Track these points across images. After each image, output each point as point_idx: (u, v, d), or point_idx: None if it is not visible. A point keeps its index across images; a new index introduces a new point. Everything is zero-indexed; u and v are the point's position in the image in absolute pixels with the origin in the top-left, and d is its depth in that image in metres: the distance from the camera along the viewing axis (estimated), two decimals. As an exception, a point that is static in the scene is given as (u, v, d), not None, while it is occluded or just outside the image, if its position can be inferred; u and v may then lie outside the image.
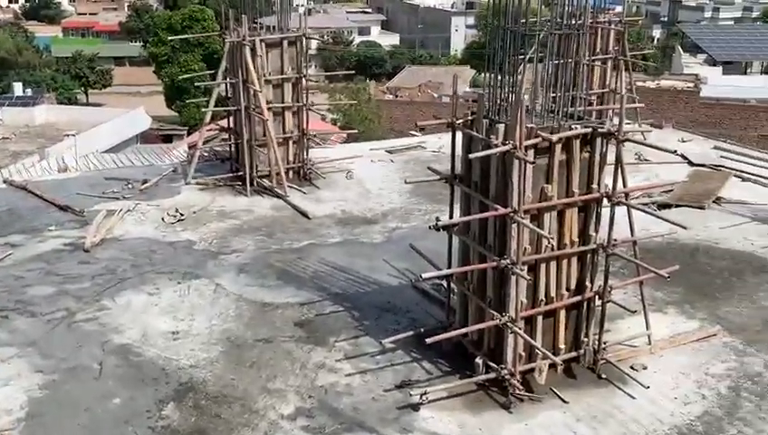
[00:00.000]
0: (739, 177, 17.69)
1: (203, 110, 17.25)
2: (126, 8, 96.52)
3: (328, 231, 14.49)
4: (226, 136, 17.69)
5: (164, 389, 9.42)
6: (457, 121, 9.63)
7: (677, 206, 15.64)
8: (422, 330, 10.05)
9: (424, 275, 9.26)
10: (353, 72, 37.85)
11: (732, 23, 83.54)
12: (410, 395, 9.05)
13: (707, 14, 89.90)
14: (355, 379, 9.61)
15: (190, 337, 10.63)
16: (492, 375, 9.21)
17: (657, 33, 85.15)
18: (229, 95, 17.08)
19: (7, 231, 14.23)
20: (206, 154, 18.31)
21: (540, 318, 9.39)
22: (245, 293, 11.91)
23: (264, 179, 16.65)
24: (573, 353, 9.70)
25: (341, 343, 10.44)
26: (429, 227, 9.67)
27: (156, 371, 9.81)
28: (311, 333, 10.70)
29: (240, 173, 16.69)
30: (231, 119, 17.20)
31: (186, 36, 42.67)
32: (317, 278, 12.37)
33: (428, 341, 9.18)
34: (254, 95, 16.12)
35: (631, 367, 9.80)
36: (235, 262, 13.05)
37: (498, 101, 9.28)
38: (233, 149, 17.45)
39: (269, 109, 16.30)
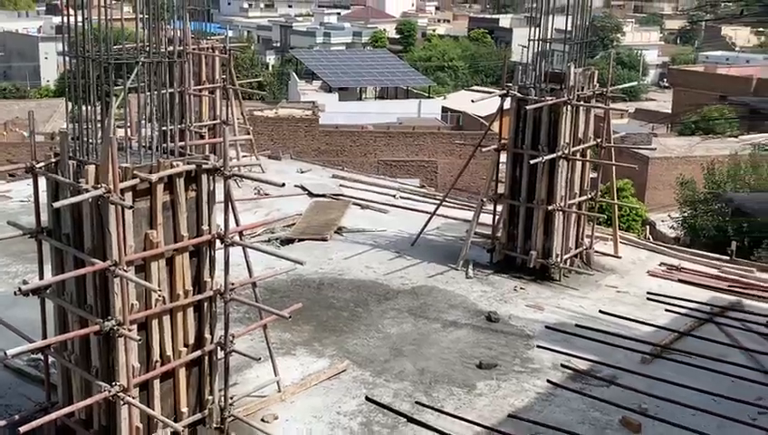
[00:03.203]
0: (357, 204, 19.25)
1: None
2: None
3: None
4: None
5: None
6: (38, 165, 9.11)
7: (301, 240, 16.50)
8: (17, 417, 9.28)
9: (10, 352, 8.51)
10: None
11: (344, 48, 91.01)
12: (3, 500, 8.29)
13: (319, 40, 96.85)
14: (-70, 493, 8.55)
15: None
16: (105, 457, 8.81)
17: (271, 59, 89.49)
18: None
19: None
20: None
21: (157, 382, 9.18)
22: None
23: None
24: (198, 415, 9.63)
25: None
26: (15, 293, 8.97)
27: None
28: None
29: None
30: None
31: None
32: None
33: (23, 429, 8.44)
34: None
35: (262, 419, 10.07)
36: None
37: (88, 140, 8.97)
38: None
39: None
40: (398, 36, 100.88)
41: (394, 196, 20.41)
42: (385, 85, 64.95)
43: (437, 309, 13.67)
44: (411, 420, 9.49)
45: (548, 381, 11.21)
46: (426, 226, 16.72)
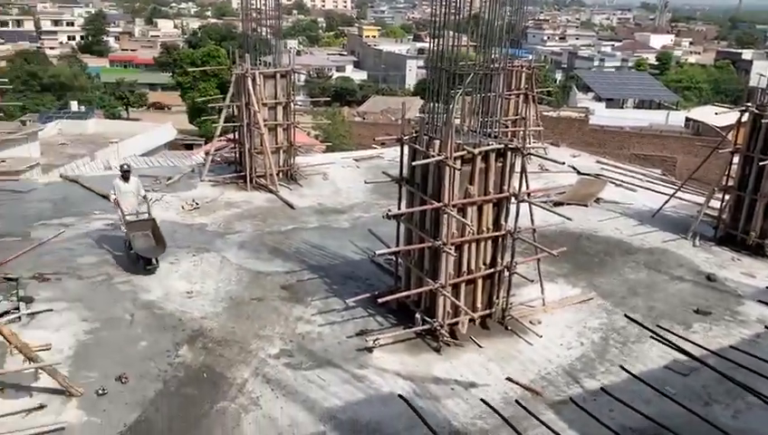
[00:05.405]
0: (614, 183, 18.01)
1: (214, 125, 17.03)
2: (159, 46, 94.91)
3: (308, 218, 14.40)
4: (233, 145, 17.47)
5: (180, 334, 9.33)
6: (405, 138, 9.65)
7: (568, 204, 15.83)
8: (376, 292, 10.06)
9: (378, 252, 9.29)
10: (328, 99, 37.66)
11: (613, 70, 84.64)
12: (366, 341, 9.08)
13: (596, 63, 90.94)
14: (325, 328, 9.61)
15: (201, 296, 10.53)
16: (427, 326, 9.27)
17: (558, 75, 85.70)
18: (235, 114, 16.87)
19: (62, 214, 13.94)
20: (217, 159, 18.07)
21: (463, 285, 9.47)
22: (244, 263, 11.80)
23: (261, 179, 16.49)
24: (487, 311, 9.81)
25: (316, 301, 10.40)
26: (383, 217, 9.70)
27: (174, 321, 9.70)
28: (293, 294, 10.65)
29: (242, 173, 16.49)
30: (236, 132, 16.99)
31: (204, 69, 43.01)
32: (299, 253, 12.31)
33: (380, 300, 9.22)
34: (253, 115, 15.93)
35: (530, 322, 9.96)
36: (237, 240, 12.92)
37: (435, 124, 9.32)
38: (237, 155, 17.24)
39: (265, 125, 16.14)
40: (656, 63, 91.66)
41: (641, 179, 18.78)
42: (642, 98, 59.67)
43: (667, 266, 12.48)
44: (653, 335, 8.59)
45: (765, 326, 9.77)
46: (665, 203, 15.23)
